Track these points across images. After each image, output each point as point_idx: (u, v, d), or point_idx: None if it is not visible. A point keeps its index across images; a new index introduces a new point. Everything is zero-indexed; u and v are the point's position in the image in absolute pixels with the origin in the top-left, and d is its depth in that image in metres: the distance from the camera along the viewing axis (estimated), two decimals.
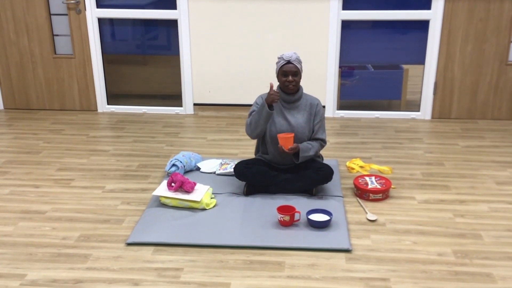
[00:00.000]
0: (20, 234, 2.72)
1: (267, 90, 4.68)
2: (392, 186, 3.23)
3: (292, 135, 2.95)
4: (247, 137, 4.14)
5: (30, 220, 2.87)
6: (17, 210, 2.99)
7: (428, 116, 4.65)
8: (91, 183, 3.34)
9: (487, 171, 3.50)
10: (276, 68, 3.05)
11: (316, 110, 3.11)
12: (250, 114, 3.12)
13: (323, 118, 3.14)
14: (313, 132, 3.12)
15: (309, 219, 2.74)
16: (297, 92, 3.09)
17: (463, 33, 4.36)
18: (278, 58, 3.04)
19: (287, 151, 2.94)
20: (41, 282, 2.31)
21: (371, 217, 2.86)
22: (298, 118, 3.08)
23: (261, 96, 3.15)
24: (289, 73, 3.00)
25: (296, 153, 3.03)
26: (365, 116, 4.71)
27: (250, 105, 4.75)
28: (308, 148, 3.04)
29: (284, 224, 2.75)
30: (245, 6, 4.48)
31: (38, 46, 4.73)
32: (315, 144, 3.09)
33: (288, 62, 2.98)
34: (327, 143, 3.82)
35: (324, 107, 4.69)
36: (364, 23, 4.51)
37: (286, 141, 2.93)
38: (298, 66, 3.00)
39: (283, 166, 3.17)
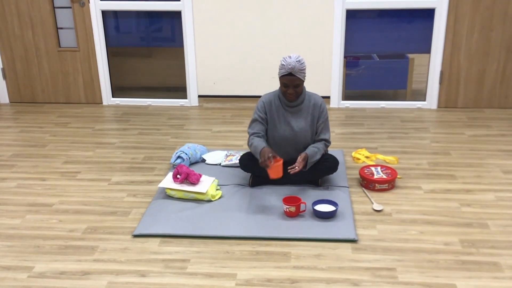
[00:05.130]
0: (27, 227, 2.74)
1: (271, 81, 4.67)
2: (398, 176, 3.22)
3: (281, 162, 2.78)
4: None
5: (37, 213, 2.89)
6: (24, 203, 3.01)
7: (434, 106, 4.62)
8: (97, 176, 3.35)
9: (494, 160, 3.48)
10: (279, 72, 2.89)
11: (319, 111, 3.02)
12: (252, 123, 3.01)
13: (326, 118, 3.05)
14: (316, 132, 3.06)
15: (315, 210, 2.73)
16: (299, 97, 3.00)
17: (469, 21, 4.32)
18: (281, 62, 2.86)
19: (297, 170, 2.81)
20: (49, 274, 2.33)
21: (377, 207, 2.86)
22: (300, 123, 3.00)
23: (262, 101, 3.02)
24: (290, 85, 2.88)
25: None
26: (371, 106, 4.69)
27: (254, 97, 4.74)
28: (314, 153, 2.95)
29: (289, 215, 2.75)
30: None
31: (42, 40, 4.74)
32: (320, 146, 3.01)
33: (290, 74, 2.84)
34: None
35: (329, 97, 4.68)
36: (369, 12, 4.48)
37: (277, 169, 2.77)
38: (301, 76, 2.84)
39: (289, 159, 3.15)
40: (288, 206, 2.73)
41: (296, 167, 2.82)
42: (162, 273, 2.32)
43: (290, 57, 2.84)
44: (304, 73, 2.87)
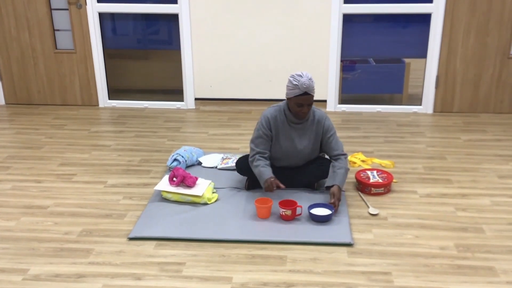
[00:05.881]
0: (22, 229, 2.73)
1: (267, 84, 4.68)
2: (394, 180, 3.22)
3: (270, 204, 2.78)
4: (249, 131, 4.15)
5: (33, 215, 2.88)
6: (19, 205, 3.00)
7: (430, 110, 4.64)
8: (93, 178, 3.34)
9: (489, 165, 3.49)
10: (289, 93, 2.79)
11: (324, 129, 2.95)
12: (256, 139, 2.94)
13: (334, 132, 2.97)
14: (323, 147, 3.00)
15: (310, 214, 2.74)
16: None
17: (465, 26, 4.34)
18: (293, 83, 2.76)
19: (337, 206, 2.80)
20: (43, 276, 2.32)
21: (373, 211, 2.86)
22: (304, 140, 2.96)
23: (267, 116, 2.92)
24: (305, 104, 2.79)
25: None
26: (367, 110, 4.70)
27: (251, 100, 4.75)
28: (343, 176, 2.87)
29: (285, 219, 2.75)
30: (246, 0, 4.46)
31: (39, 41, 4.73)
32: (343, 164, 2.90)
33: (305, 93, 2.76)
34: None
35: (325, 101, 4.69)
36: (366, 17, 4.50)
37: (266, 211, 2.76)
38: (313, 93, 2.79)
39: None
40: (284, 210, 2.73)
41: (336, 204, 2.78)
42: (158, 276, 2.31)
43: (301, 76, 2.74)
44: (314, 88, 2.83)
